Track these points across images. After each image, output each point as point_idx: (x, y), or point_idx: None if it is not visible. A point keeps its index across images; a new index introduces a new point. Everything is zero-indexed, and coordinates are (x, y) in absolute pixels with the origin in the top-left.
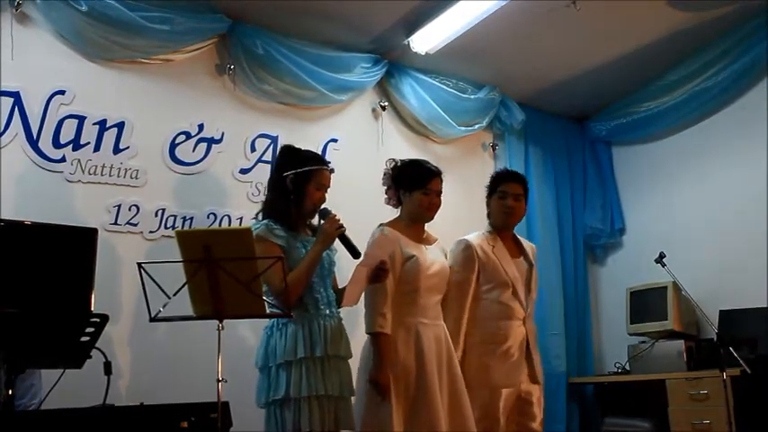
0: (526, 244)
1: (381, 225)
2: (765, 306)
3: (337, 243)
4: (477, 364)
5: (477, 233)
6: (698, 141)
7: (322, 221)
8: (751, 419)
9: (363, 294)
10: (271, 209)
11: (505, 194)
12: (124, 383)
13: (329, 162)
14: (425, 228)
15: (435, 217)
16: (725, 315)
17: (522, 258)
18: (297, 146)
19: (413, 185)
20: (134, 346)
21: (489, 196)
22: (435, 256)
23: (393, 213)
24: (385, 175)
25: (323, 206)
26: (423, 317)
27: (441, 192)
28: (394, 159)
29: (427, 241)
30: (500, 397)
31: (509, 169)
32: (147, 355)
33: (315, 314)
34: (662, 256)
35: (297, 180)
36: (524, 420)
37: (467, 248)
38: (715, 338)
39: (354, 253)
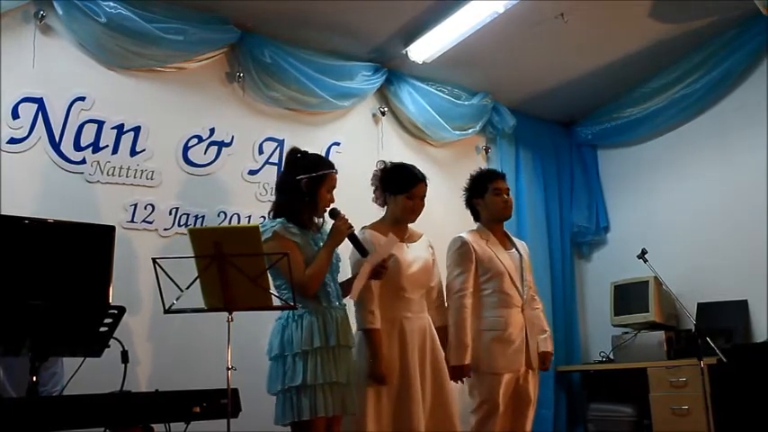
0: (516, 240)
1: (363, 228)
2: (740, 299)
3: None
4: (483, 350)
5: (468, 231)
6: (678, 145)
7: (333, 221)
8: (726, 405)
9: None
10: (283, 209)
11: (500, 191)
12: (141, 371)
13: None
14: (408, 225)
15: (430, 215)
16: (702, 308)
17: (514, 249)
18: (302, 148)
19: (399, 189)
20: (150, 336)
21: (480, 196)
22: (418, 253)
23: None
24: (374, 176)
25: (332, 206)
26: (407, 311)
27: (425, 196)
28: (384, 161)
29: (410, 239)
30: (501, 383)
31: (491, 169)
32: (163, 344)
33: (327, 306)
34: (644, 252)
35: (311, 183)
36: (519, 404)
37: (463, 245)
38: (693, 329)
39: (363, 252)
